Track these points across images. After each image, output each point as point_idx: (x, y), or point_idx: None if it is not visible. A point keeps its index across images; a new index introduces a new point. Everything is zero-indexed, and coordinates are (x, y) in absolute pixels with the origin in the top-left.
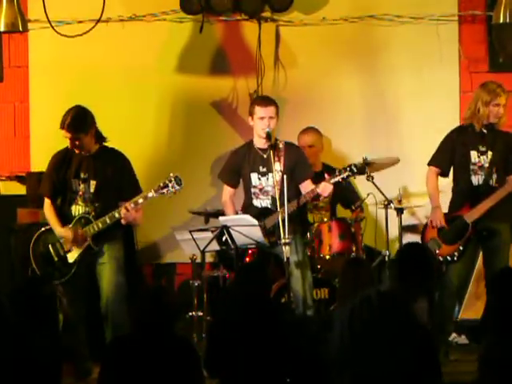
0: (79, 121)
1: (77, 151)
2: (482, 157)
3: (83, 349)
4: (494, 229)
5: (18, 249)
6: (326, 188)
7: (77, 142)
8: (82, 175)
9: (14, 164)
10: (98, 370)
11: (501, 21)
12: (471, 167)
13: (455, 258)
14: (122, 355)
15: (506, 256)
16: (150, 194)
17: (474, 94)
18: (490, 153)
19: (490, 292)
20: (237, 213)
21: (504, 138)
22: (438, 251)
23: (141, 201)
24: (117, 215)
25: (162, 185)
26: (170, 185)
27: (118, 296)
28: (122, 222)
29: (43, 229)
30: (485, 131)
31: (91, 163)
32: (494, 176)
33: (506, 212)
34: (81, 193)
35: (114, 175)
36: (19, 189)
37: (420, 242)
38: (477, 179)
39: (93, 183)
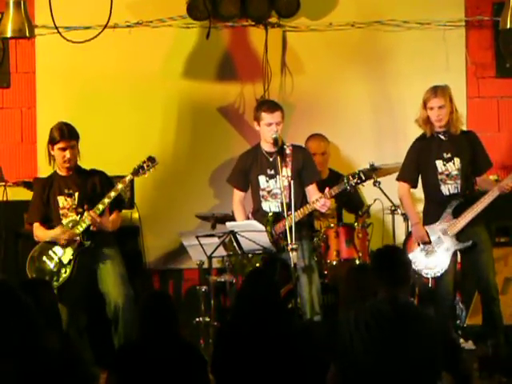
0: (72, 127)
1: (67, 165)
2: (448, 164)
3: (87, 354)
4: (472, 232)
5: (25, 253)
6: (324, 205)
7: (72, 152)
8: (66, 191)
9: (21, 170)
10: (104, 376)
11: (508, 26)
12: (439, 177)
13: (440, 273)
14: (129, 362)
15: (491, 256)
16: (128, 178)
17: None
18: (456, 159)
19: None
20: (248, 217)
21: (466, 139)
22: None
23: (120, 186)
24: (100, 207)
25: (136, 167)
26: (144, 165)
27: (127, 300)
28: (91, 228)
29: (36, 247)
30: (444, 138)
31: (73, 180)
32: (466, 182)
33: (480, 214)
34: (68, 206)
35: (96, 188)
36: (26, 194)
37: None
38: (447, 189)
39: (76, 195)
